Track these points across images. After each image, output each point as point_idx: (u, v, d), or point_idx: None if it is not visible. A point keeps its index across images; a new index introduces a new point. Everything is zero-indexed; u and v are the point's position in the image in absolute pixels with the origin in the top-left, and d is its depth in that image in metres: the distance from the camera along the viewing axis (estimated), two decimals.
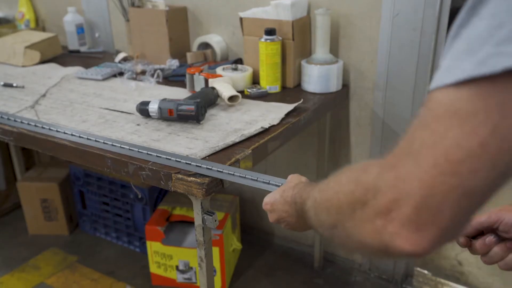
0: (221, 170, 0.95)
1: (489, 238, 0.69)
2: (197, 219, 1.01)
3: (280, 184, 0.87)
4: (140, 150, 1.06)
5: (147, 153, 1.04)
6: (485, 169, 0.38)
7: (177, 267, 1.75)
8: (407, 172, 0.41)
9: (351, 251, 0.58)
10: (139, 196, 1.87)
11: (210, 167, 0.97)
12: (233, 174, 0.94)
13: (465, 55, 0.39)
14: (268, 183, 0.89)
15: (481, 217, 0.70)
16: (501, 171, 0.39)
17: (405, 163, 0.41)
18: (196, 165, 0.98)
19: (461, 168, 0.38)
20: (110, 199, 1.97)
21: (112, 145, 1.09)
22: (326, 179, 0.55)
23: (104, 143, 1.11)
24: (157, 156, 1.03)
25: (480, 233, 0.72)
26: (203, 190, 0.94)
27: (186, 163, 0.99)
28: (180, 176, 0.97)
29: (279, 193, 0.75)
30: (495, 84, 0.37)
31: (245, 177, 0.92)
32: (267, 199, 0.77)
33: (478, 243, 0.70)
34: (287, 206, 0.72)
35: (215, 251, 1.66)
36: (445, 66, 0.41)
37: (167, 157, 1.02)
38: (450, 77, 0.39)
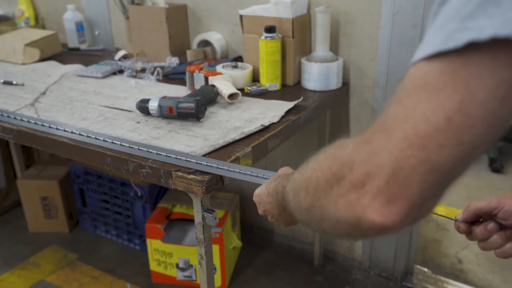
0: (221, 167, 0.95)
1: (491, 225, 0.69)
2: (197, 217, 1.01)
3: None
4: (140, 148, 1.06)
5: (147, 151, 1.04)
6: (451, 145, 0.38)
7: (177, 265, 1.75)
8: (379, 146, 0.41)
9: (326, 234, 0.58)
10: (139, 194, 1.87)
11: (211, 164, 0.97)
12: (233, 171, 0.94)
13: (437, 31, 0.39)
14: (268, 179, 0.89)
15: (481, 203, 0.70)
16: (467, 148, 0.39)
17: (378, 137, 0.42)
18: (196, 162, 0.98)
19: (429, 142, 0.39)
20: (110, 197, 1.97)
21: (112, 142, 1.09)
22: (304, 163, 0.55)
23: (104, 140, 1.11)
24: (157, 153, 1.03)
25: (478, 219, 0.72)
26: (203, 188, 0.94)
27: (186, 160, 0.99)
28: (180, 174, 0.97)
29: (264, 185, 0.76)
30: (460, 58, 0.37)
31: (245, 173, 0.92)
32: (256, 191, 0.78)
33: (479, 229, 0.70)
34: (270, 197, 0.73)
35: (215, 249, 1.66)
36: (422, 42, 0.41)
37: (167, 154, 1.02)
38: (423, 52, 0.40)
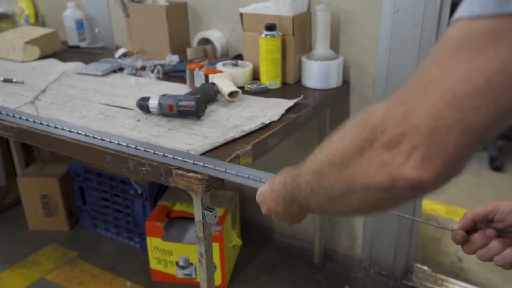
0: (218, 168, 0.94)
1: (490, 230, 0.69)
2: (197, 215, 1.01)
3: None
4: (138, 147, 1.05)
5: (145, 150, 1.04)
6: (488, 106, 0.39)
7: (177, 263, 1.75)
8: (414, 106, 0.42)
9: (351, 211, 0.56)
10: (139, 192, 1.87)
11: (208, 165, 0.96)
12: (230, 173, 0.93)
13: None
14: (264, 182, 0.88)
15: (477, 209, 0.70)
16: (503, 109, 0.39)
17: (413, 98, 0.42)
18: (193, 163, 0.97)
19: (466, 103, 0.39)
20: (110, 195, 1.97)
21: (110, 141, 1.09)
22: (325, 141, 0.55)
23: (101, 139, 1.10)
24: (154, 153, 1.02)
25: (475, 227, 0.72)
26: (203, 186, 0.94)
27: (183, 160, 0.99)
28: (180, 172, 0.97)
29: (268, 184, 0.75)
30: (505, 21, 0.37)
31: (242, 176, 0.91)
32: (259, 191, 0.78)
33: (478, 235, 0.69)
34: (275, 194, 0.72)
35: (215, 247, 1.66)
36: (466, 0, 0.41)
37: (165, 154, 1.01)
38: (467, 10, 0.40)
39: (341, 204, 0.52)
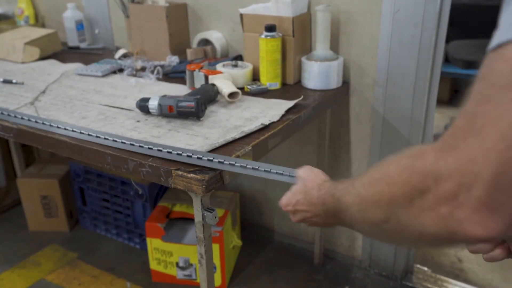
0: (222, 161, 0.95)
1: None
2: (197, 215, 1.01)
3: (282, 172, 0.87)
4: (141, 145, 1.05)
5: (148, 148, 1.04)
6: None
7: (177, 263, 1.75)
8: (471, 152, 0.38)
9: (405, 245, 0.56)
10: (139, 193, 1.87)
11: (211, 159, 0.96)
12: (234, 165, 0.94)
13: None
14: (269, 172, 0.89)
15: None
16: None
17: (467, 142, 0.38)
18: (198, 157, 0.98)
19: None
20: (110, 195, 1.97)
21: (113, 140, 1.09)
22: (367, 172, 0.52)
23: (105, 139, 1.10)
24: (158, 150, 1.03)
25: None
26: (203, 186, 0.94)
27: (187, 155, 0.99)
28: (180, 172, 0.97)
29: (301, 195, 0.72)
30: None
31: (246, 167, 0.92)
32: (286, 201, 0.75)
33: None
34: (313, 207, 0.69)
35: (215, 247, 1.66)
36: (503, 26, 0.38)
37: (168, 150, 1.01)
38: (505, 36, 0.36)
39: (391, 238, 0.50)
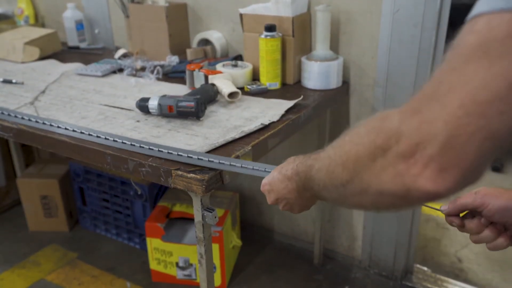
0: (223, 162, 0.95)
1: (483, 220, 0.70)
2: (197, 215, 1.01)
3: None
4: (142, 146, 1.05)
5: (149, 148, 1.04)
6: (510, 111, 0.38)
7: (177, 263, 1.75)
8: (432, 115, 0.41)
9: (364, 208, 0.57)
10: (139, 193, 1.87)
11: (212, 160, 0.96)
12: (235, 165, 0.94)
13: None
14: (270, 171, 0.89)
15: (466, 199, 0.70)
16: None
17: (430, 106, 0.41)
18: (198, 158, 0.98)
19: (488, 109, 0.38)
20: (110, 195, 1.97)
21: (114, 140, 1.09)
22: (340, 137, 0.54)
23: (105, 138, 1.10)
24: (158, 150, 1.03)
25: (463, 212, 0.73)
26: (203, 186, 0.94)
27: (188, 156, 0.99)
28: (180, 172, 0.97)
29: (277, 171, 0.75)
30: None
31: (246, 168, 0.92)
32: (265, 180, 0.77)
33: (474, 223, 0.70)
34: (287, 181, 0.71)
35: (215, 247, 1.66)
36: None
37: (169, 151, 1.02)
38: (490, 5, 0.38)
39: (354, 201, 0.53)
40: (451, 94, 0.40)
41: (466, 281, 1.77)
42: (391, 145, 0.44)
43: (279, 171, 0.74)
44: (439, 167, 0.41)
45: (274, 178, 0.74)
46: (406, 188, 0.43)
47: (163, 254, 1.75)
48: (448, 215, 0.73)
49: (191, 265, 1.74)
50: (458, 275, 1.80)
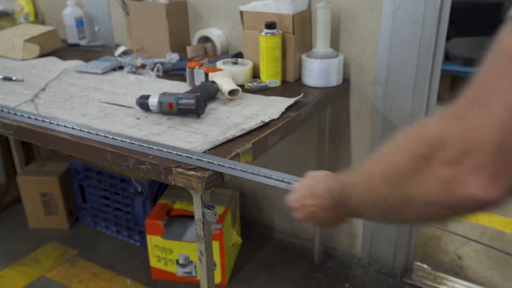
0: (222, 164, 0.95)
1: None
2: (197, 213, 1.01)
3: (282, 179, 0.87)
4: (141, 144, 1.05)
5: (148, 147, 1.04)
6: None
7: (177, 261, 1.75)
8: (477, 121, 0.40)
9: (407, 222, 0.58)
10: (139, 190, 1.87)
11: (211, 161, 0.96)
12: (234, 168, 0.94)
13: None
14: (270, 177, 0.89)
15: None
16: None
17: (474, 112, 0.40)
18: (197, 159, 0.98)
19: None
20: (110, 193, 1.97)
21: (113, 138, 1.09)
22: (376, 152, 0.53)
23: (104, 136, 1.10)
24: (158, 149, 1.03)
25: None
26: (203, 184, 0.94)
27: (187, 156, 0.99)
28: (180, 170, 0.97)
29: (306, 189, 0.73)
30: None
31: (246, 171, 0.92)
32: (293, 197, 0.75)
33: None
34: (319, 199, 0.70)
35: (215, 245, 1.67)
36: None
37: (168, 150, 1.02)
38: None
39: (395, 216, 0.51)
40: (495, 98, 0.39)
41: (466, 278, 1.77)
42: (435, 153, 0.42)
43: (309, 189, 0.72)
44: (490, 174, 0.39)
45: (305, 196, 0.72)
46: (455, 197, 0.42)
47: (163, 251, 1.75)
48: None
49: (191, 262, 1.75)
50: (458, 273, 1.80)
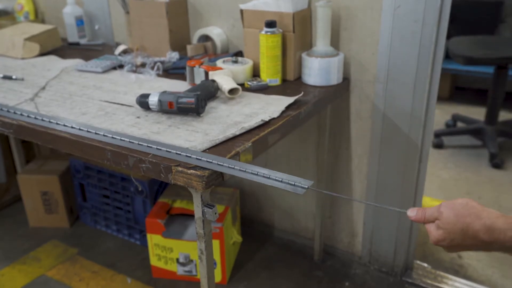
0: (222, 164, 0.95)
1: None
2: (197, 212, 1.01)
3: (281, 180, 0.87)
4: (140, 143, 1.05)
5: (147, 146, 1.04)
6: None
7: (177, 259, 1.75)
8: None
9: None
10: (139, 189, 1.87)
11: (211, 160, 0.96)
12: (233, 168, 0.94)
13: None
14: (269, 178, 0.89)
15: (431, 210, 0.79)
16: None
17: None
18: (197, 158, 0.98)
19: None
20: (111, 191, 1.97)
21: (112, 137, 1.09)
22: None
23: (104, 135, 1.10)
24: (157, 148, 1.03)
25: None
26: (203, 182, 0.94)
27: (186, 155, 0.99)
28: (180, 168, 0.97)
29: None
30: None
31: (245, 171, 0.92)
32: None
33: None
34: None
35: (215, 243, 1.67)
36: None
37: (167, 149, 1.02)
38: None
39: None
40: None
41: (465, 277, 1.77)
42: None
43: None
44: None
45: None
46: None
47: (163, 250, 1.75)
48: (416, 220, 0.80)
49: (191, 261, 1.75)
50: (458, 271, 1.80)
